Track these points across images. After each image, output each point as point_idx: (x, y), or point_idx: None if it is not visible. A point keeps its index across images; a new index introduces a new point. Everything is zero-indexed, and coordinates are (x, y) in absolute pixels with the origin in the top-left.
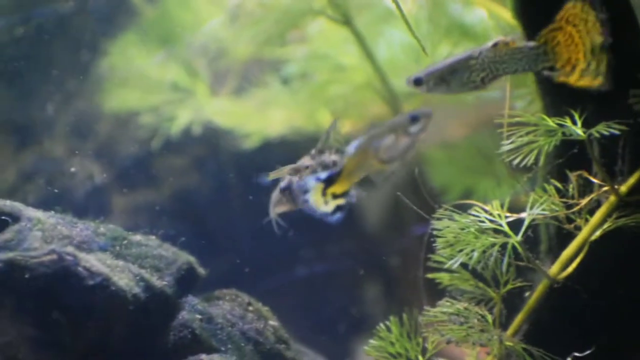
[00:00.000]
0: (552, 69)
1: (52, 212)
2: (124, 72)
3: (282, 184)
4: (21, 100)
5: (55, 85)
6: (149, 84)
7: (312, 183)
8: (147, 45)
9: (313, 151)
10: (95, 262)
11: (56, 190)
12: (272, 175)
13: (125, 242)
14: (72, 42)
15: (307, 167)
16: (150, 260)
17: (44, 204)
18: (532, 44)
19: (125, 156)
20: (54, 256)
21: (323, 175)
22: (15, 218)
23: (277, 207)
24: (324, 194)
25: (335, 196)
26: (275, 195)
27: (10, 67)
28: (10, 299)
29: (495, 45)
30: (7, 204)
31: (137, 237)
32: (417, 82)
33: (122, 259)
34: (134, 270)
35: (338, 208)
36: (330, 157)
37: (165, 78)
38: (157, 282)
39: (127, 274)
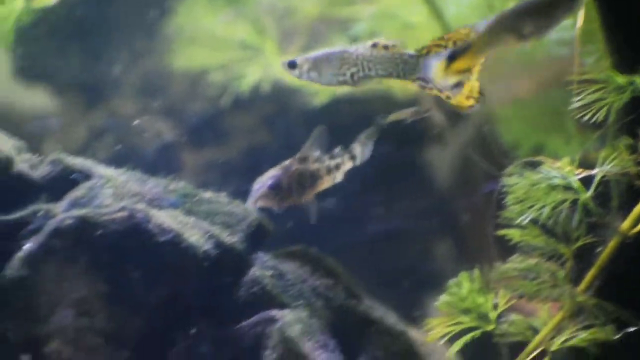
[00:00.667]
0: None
1: (123, 169)
2: (193, 30)
3: (271, 182)
4: (90, 60)
5: (124, 44)
6: (217, 42)
7: (434, 60)
8: (214, 3)
9: (298, 155)
10: (166, 218)
11: (126, 149)
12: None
13: (195, 199)
14: (141, 1)
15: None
16: (221, 217)
17: (115, 162)
18: (411, 52)
19: (195, 114)
20: (125, 213)
21: (447, 52)
22: (87, 176)
23: (260, 201)
24: (447, 68)
25: (459, 71)
26: (261, 188)
27: (80, 27)
28: (83, 254)
29: (374, 45)
30: (79, 162)
31: (208, 194)
32: (291, 65)
33: (193, 215)
34: (205, 227)
35: (458, 84)
36: (314, 164)
37: (233, 36)
38: (227, 238)
39: (198, 230)
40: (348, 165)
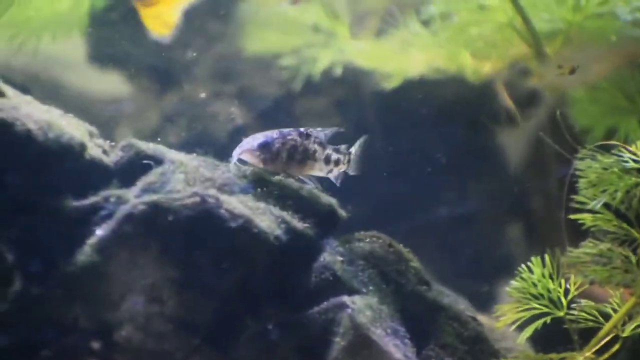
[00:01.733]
0: None
1: (194, 155)
2: (265, 14)
3: (261, 141)
4: (163, 44)
5: (196, 28)
6: (289, 26)
7: None
8: None
9: (302, 129)
10: (237, 204)
11: (197, 133)
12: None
13: (266, 184)
14: None
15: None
16: (292, 202)
17: (186, 147)
18: None
19: (267, 98)
20: (197, 198)
21: None
22: (158, 161)
23: (244, 154)
24: None
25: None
26: (250, 142)
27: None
28: (154, 240)
29: None
30: (150, 147)
31: (278, 179)
32: None
33: (264, 201)
34: (276, 212)
35: None
36: (313, 144)
37: (305, 20)
38: (298, 224)
39: (269, 216)
40: (343, 167)
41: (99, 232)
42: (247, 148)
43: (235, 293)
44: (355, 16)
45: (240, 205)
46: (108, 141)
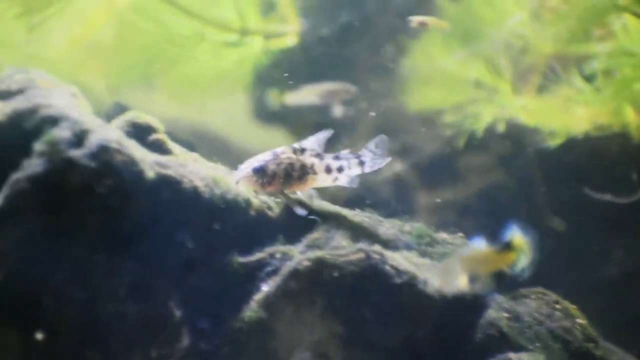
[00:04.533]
0: None
1: (358, 210)
2: (427, 70)
3: (256, 166)
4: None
5: (359, 84)
6: (451, 82)
7: None
8: (449, 43)
9: (296, 145)
10: (401, 260)
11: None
12: None
13: (430, 240)
14: (376, 42)
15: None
16: None
17: (350, 202)
18: None
19: (429, 154)
20: (362, 254)
21: None
22: (323, 217)
23: (242, 181)
24: None
25: None
26: (246, 169)
27: (316, 67)
28: (320, 296)
29: None
30: (315, 204)
31: (442, 235)
32: None
33: (428, 257)
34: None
35: None
36: (310, 158)
37: (467, 76)
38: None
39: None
40: (356, 171)
41: (265, 288)
42: (243, 176)
43: (401, 349)
44: (516, 72)
45: (405, 261)
46: (273, 197)
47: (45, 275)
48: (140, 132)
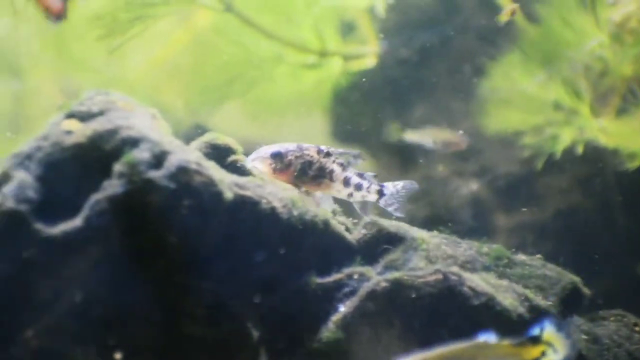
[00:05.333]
0: None
1: (436, 232)
2: (506, 92)
3: (275, 150)
4: (405, 122)
5: (438, 106)
6: (530, 104)
7: None
8: (528, 65)
9: (323, 147)
10: (479, 281)
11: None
12: None
13: (508, 261)
14: (455, 63)
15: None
16: (534, 280)
17: (428, 224)
18: None
19: (508, 176)
20: (439, 276)
21: None
22: (401, 238)
23: (256, 161)
24: None
25: None
26: (263, 151)
27: (395, 89)
28: (397, 317)
29: None
30: (393, 225)
31: (521, 257)
32: None
33: (506, 278)
34: (518, 289)
35: None
36: (332, 164)
37: (547, 98)
38: (541, 302)
39: (511, 293)
40: (372, 197)
41: (343, 308)
42: (259, 157)
43: None
44: (596, 94)
45: (483, 282)
46: (350, 218)
47: (124, 295)
48: (219, 153)
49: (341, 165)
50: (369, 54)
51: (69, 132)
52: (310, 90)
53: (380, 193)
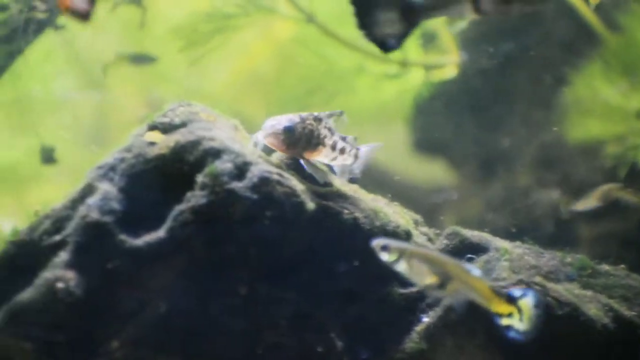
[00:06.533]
0: None
1: (519, 242)
2: (588, 101)
3: (287, 124)
4: (487, 132)
5: (520, 116)
6: (613, 114)
7: None
8: (610, 74)
9: (315, 113)
10: (563, 292)
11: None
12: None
13: (592, 271)
14: (536, 73)
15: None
16: (619, 290)
17: (510, 234)
18: None
19: (591, 185)
20: (522, 286)
21: None
22: (484, 248)
23: (270, 138)
24: None
25: None
26: (276, 126)
27: (476, 99)
28: (480, 327)
29: None
30: (475, 235)
31: (605, 267)
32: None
33: (590, 288)
34: (602, 300)
35: None
36: (323, 129)
37: (629, 107)
38: (625, 312)
39: (596, 304)
40: (348, 160)
41: (426, 319)
42: (273, 132)
43: None
44: None
45: (567, 293)
46: (433, 229)
47: (208, 306)
48: (300, 164)
49: (329, 129)
50: (449, 64)
51: (151, 144)
52: (391, 100)
53: (356, 157)
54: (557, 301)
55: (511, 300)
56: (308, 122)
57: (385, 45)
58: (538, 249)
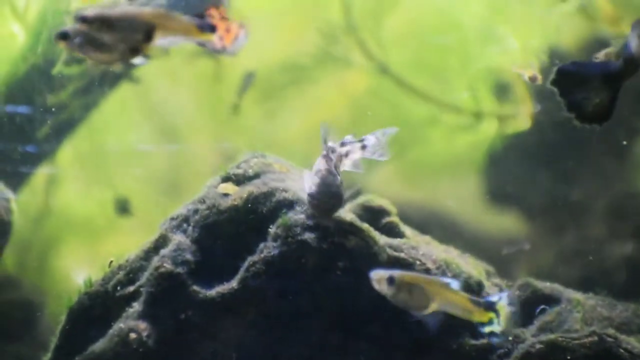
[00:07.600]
0: None
1: (591, 294)
2: None
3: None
4: (560, 183)
5: (593, 167)
6: None
7: None
8: None
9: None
10: (636, 343)
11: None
12: None
13: None
14: (610, 125)
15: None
16: None
17: (584, 286)
18: None
19: None
20: (595, 338)
21: None
22: (556, 300)
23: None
24: None
25: None
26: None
27: (549, 150)
28: None
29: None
30: (547, 286)
31: None
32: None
33: None
34: None
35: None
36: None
37: None
38: None
39: None
40: (358, 154)
41: None
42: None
43: None
44: None
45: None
46: (505, 280)
47: (279, 356)
48: (373, 215)
49: (342, 144)
50: (523, 115)
51: (225, 195)
52: (465, 151)
53: (363, 147)
54: (630, 353)
55: (490, 307)
56: (336, 162)
57: (598, 120)
58: (611, 300)
